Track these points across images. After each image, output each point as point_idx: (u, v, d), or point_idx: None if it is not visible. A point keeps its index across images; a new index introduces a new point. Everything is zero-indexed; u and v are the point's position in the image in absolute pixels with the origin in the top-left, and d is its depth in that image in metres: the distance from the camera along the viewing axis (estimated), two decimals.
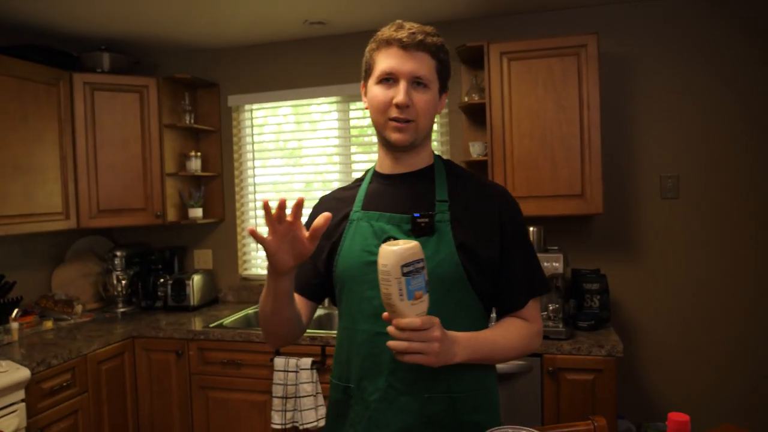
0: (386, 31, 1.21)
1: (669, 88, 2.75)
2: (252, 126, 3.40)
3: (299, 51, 3.24)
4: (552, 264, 2.42)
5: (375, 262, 1.05)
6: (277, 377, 2.53)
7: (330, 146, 3.26)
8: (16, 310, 2.71)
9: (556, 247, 2.61)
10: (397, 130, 1.19)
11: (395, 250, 1.00)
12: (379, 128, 1.23)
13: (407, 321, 1.01)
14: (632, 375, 2.80)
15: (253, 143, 3.40)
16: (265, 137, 3.39)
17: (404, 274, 0.99)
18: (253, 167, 3.41)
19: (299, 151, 3.33)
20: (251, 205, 3.42)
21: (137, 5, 2.62)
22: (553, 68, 2.55)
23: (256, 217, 3.41)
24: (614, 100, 2.80)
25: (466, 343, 1.13)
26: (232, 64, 3.36)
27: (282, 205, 1.04)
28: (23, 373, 2.18)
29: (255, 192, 3.41)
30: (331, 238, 1.28)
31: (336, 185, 3.24)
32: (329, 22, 2.93)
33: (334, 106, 3.25)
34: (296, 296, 1.29)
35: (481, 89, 2.80)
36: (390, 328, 1.04)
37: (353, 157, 3.24)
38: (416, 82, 1.18)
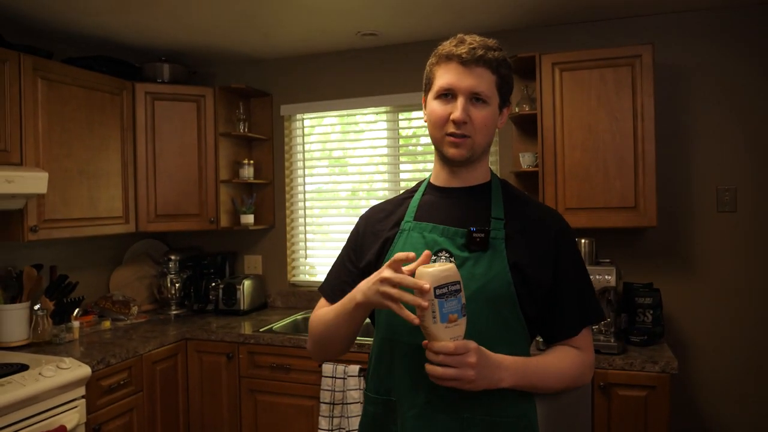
0: (447, 46, 1.21)
1: (726, 99, 2.68)
2: (303, 135, 3.48)
3: (350, 61, 3.30)
4: (604, 277, 2.38)
5: None
6: (325, 383, 2.56)
7: (378, 155, 3.30)
8: (77, 310, 2.83)
9: (608, 260, 2.57)
10: (454, 146, 1.19)
11: (429, 272, 1.00)
12: (437, 143, 1.23)
13: (440, 345, 1.01)
14: (686, 394, 2.72)
15: (303, 152, 3.48)
16: (315, 146, 3.46)
17: (437, 296, 0.99)
18: (304, 175, 3.47)
19: (347, 160, 3.38)
20: (300, 212, 3.48)
21: (196, 18, 2.72)
22: (606, 79, 2.53)
23: (305, 224, 3.47)
24: (669, 110, 2.74)
25: (515, 369, 1.11)
26: (285, 74, 3.44)
27: (407, 259, 1.07)
28: (85, 370, 2.28)
29: (305, 200, 3.48)
30: (375, 248, 1.28)
31: (382, 194, 3.28)
32: (381, 33, 2.97)
33: (383, 116, 3.29)
34: None
35: (531, 100, 2.79)
36: (427, 351, 1.04)
37: (401, 167, 3.27)
38: (475, 98, 1.18)
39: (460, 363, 1.02)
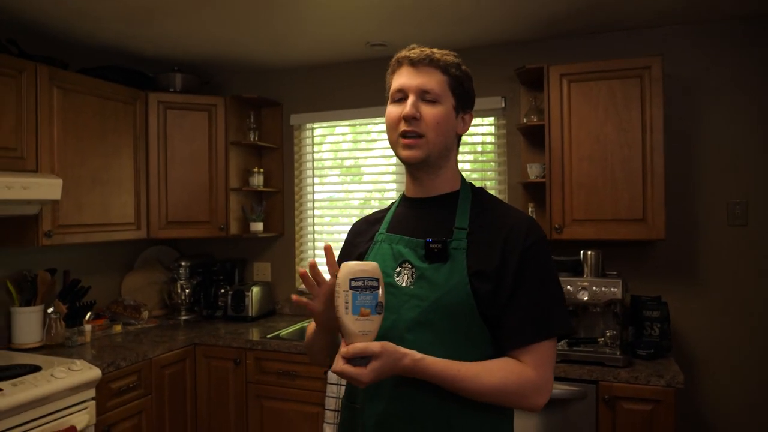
0: (398, 54, 1.24)
1: (736, 112, 2.66)
2: (312, 144, 3.51)
3: (360, 71, 3.33)
4: (611, 289, 2.37)
5: (390, 284, 1.09)
6: (330, 390, 2.57)
7: (389, 164, 3.32)
8: (89, 314, 2.88)
9: (615, 272, 2.56)
10: (407, 147, 1.19)
11: (348, 264, 1.05)
12: (393, 146, 1.23)
13: (344, 350, 1.02)
14: (692, 408, 2.69)
15: (313, 161, 3.51)
16: (324, 155, 3.49)
17: (352, 288, 1.03)
18: (313, 184, 3.51)
19: (357, 169, 3.41)
20: (309, 221, 3.51)
21: (209, 29, 2.77)
22: (614, 90, 2.52)
23: (314, 232, 3.50)
24: (678, 123, 2.73)
25: (423, 359, 1.07)
26: (295, 84, 3.48)
27: (312, 265, 1.14)
28: (95, 372, 2.32)
29: (314, 208, 3.51)
30: (353, 257, 1.30)
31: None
32: (390, 44, 3.00)
33: None
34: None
35: (540, 111, 2.79)
36: (342, 344, 1.05)
37: None
38: (425, 98, 1.18)
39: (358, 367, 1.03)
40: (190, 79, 3.26)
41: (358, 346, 1.01)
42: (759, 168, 2.63)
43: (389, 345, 1.04)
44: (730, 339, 2.66)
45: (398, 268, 1.20)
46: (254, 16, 2.60)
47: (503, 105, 2.99)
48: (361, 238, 1.35)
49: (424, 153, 1.19)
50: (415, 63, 1.20)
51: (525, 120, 2.82)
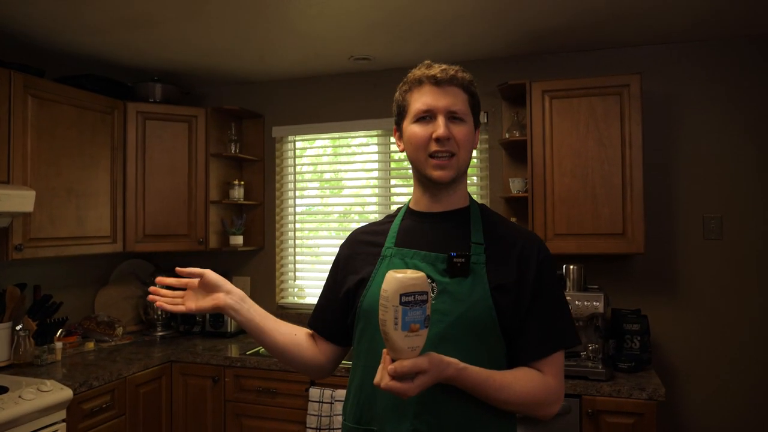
0: (417, 72, 1.23)
1: (712, 129, 2.73)
2: (294, 156, 3.48)
3: (343, 85, 3.33)
4: (592, 303, 2.39)
5: None
6: (312, 408, 2.53)
7: (370, 178, 3.31)
8: (60, 330, 2.78)
9: (596, 286, 2.58)
10: (439, 168, 1.19)
11: (398, 278, 0.98)
12: (420, 166, 1.22)
13: (392, 367, 0.98)
14: (674, 421, 2.72)
15: (294, 174, 3.48)
16: (306, 168, 3.47)
17: (402, 303, 0.97)
18: (294, 197, 3.47)
19: (339, 182, 3.39)
20: (290, 234, 3.47)
21: (191, 40, 2.74)
22: (595, 107, 2.57)
23: (294, 246, 3.46)
24: (656, 139, 2.79)
25: (466, 368, 1.07)
26: (278, 96, 3.46)
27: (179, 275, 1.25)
28: (66, 393, 2.23)
29: (295, 221, 3.47)
30: (358, 273, 1.26)
31: (373, 217, 3.28)
32: (374, 58, 3.01)
33: (374, 139, 3.32)
34: (318, 338, 1.35)
35: (522, 126, 2.82)
36: (383, 360, 1.01)
37: (392, 189, 3.28)
38: (453, 117, 1.19)
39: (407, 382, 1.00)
40: (170, 89, 3.21)
41: (407, 364, 0.98)
42: (733, 183, 2.70)
43: (435, 357, 1.02)
44: (709, 350, 2.70)
45: None
46: (237, 28, 2.58)
47: (486, 120, 3.01)
48: (362, 249, 1.31)
49: (455, 172, 1.21)
50: (439, 82, 1.20)
51: (507, 135, 2.85)
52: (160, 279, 1.22)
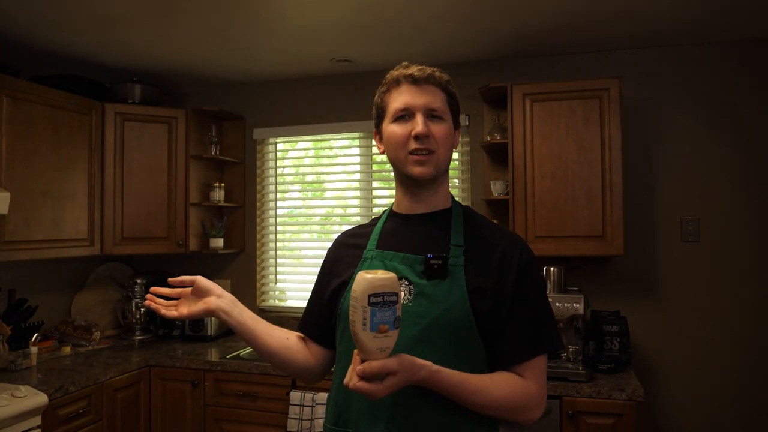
0: (394, 72, 1.24)
1: (690, 132, 2.77)
2: (276, 159, 3.46)
3: (325, 87, 3.32)
4: (572, 305, 2.41)
5: None
6: (293, 411, 2.51)
7: (352, 180, 3.30)
8: (36, 335, 2.73)
9: (576, 288, 2.60)
10: (419, 164, 1.19)
11: (367, 278, 0.97)
12: (400, 165, 1.22)
13: (360, 368, 0.98)
14: (653, 421, 2.75)
15: (276, 176, 3.46)
16: (288, 170, 3.45)
17: (371, 304, 0.96)
18: (275, 199, 3.45)
19: (321, 185, 3.38)
20: (271, 237, 3.45)
21: (171, 40, 2.71)
22: (575, 110, 2.59)
23: (276, 249, 3.44)
24: (635, 142, 2.82)
25: (440, 375, 1.07)
26: (259, 98, 3.44)
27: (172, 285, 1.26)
28: (41, 398, 2.19)
29: (276, 224, 3.45)
30: (341, 276, 1.27)
31: (355, 219, 3.27)
32: (355, 60, 3.00)
33: (356, 141, 3.31)
34: (308, 340, 1.34)
35: (503, 129, 2.84)
36: (354, 361, 1.01)
37: (374, 192, 3.28)
38: (431, 115, 1.20)
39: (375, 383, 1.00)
40: (149, 90, 3.17)
41: (375, 365, 0.98)
42: (709, 186, 2.74)
43: (406, 359, 1.02)
44: (686, 351, 2.74)
45: None
46: (218, 29, 2.56)
47: (467, 123, 3.03)
48: (347, 252, 1.31)
49: (435, 169, 1.21)
50: (417, 81, 1.21)
51: (488, 138, 2.86)
52: (154, 289, 1.24)
